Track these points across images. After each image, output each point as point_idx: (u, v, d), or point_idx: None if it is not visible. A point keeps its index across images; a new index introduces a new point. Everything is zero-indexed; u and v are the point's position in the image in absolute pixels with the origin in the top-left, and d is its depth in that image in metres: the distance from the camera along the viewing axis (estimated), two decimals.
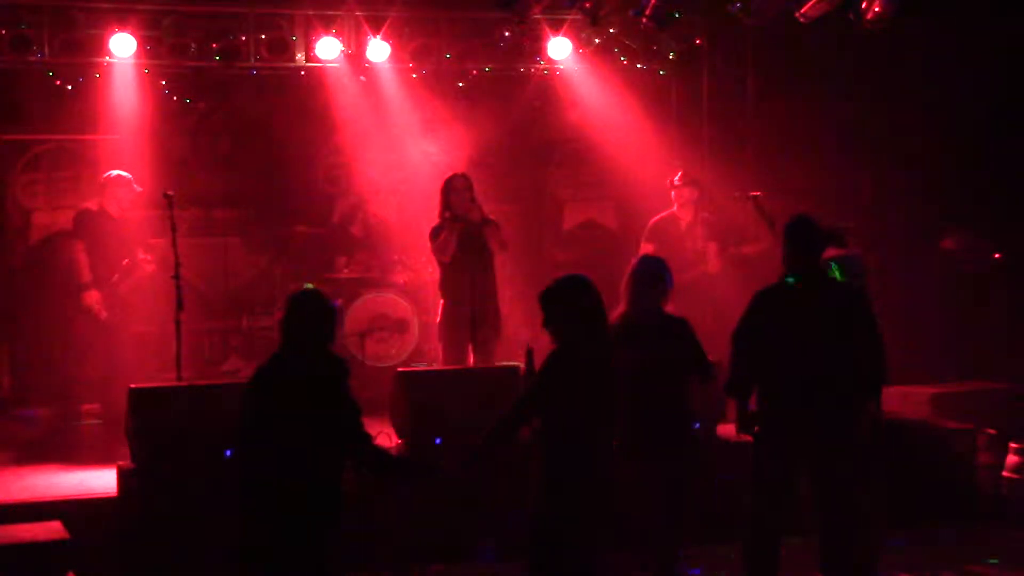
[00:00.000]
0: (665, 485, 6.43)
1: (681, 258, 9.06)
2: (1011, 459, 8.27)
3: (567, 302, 5.60)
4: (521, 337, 11.62)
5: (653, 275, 6.58)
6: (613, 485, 5.57)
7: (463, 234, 8.90)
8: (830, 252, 7.14)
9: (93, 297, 9.12)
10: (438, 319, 9.12)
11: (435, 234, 9.00)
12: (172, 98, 11.10)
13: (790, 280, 6.31)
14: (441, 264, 9.07)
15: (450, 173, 9.24)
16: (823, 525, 6.25)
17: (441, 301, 9.10)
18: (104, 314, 9.13)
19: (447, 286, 9.00)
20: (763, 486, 6.29)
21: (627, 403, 5.92)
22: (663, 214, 9.82)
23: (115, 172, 9.38)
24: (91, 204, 9.40)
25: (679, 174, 9.84)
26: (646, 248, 9.43)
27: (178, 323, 8.38)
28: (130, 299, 9.30)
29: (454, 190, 8.96)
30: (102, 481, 7.68)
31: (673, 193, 9.79)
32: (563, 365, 5.51)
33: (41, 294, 10.48)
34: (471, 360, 8.96)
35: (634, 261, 6.82)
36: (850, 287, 6.43)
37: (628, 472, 6.23)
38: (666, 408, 6.45)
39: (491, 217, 9.09)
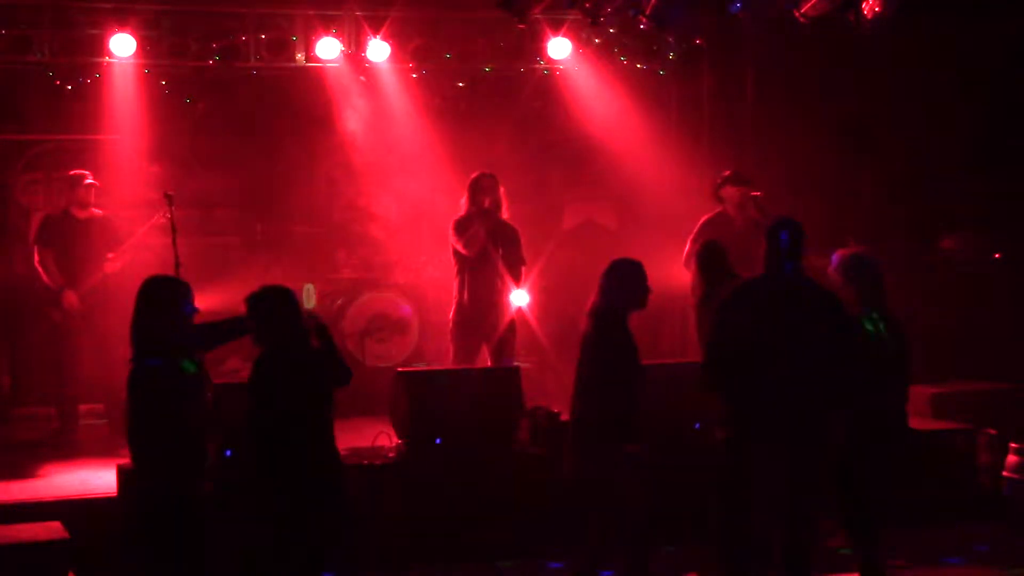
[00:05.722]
0: (579, 486, 6.40)
1: (738, 262, 8.91)
2: (1011, 459, 8.25)
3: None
4: (521, 336, 11.65)
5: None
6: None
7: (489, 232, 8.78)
8: (840, 252, 6.95)
9: (71, 298, 9.19)
10: (452, 317, 8.97)
11: (461, 227, 8.83)
12: (172, 98, 11.10)
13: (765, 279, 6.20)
14: (462, 258, 8.88)
15: (463, 172, 9.13)
16: (782, 525, 6.13)
17: (455, 300, 8.94)
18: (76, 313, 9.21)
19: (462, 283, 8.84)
20: (729, 487, 6.17)
21: None
22: (712, 213, 9.27)
23: (73, 172, 9.45)
24: (55, 209, 9.50)
25: (731, 172, 9.29)
26: (695, 249, 9.22)
27: None
28: (90, 300, 9.29)
29: (481, 188, 8.85)
30: (102, 481, 7.69)
31: (723, 193, 9.20)
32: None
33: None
34: (484, 360, 8.88)
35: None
36: (828, 291, 6.28)
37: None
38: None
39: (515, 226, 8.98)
